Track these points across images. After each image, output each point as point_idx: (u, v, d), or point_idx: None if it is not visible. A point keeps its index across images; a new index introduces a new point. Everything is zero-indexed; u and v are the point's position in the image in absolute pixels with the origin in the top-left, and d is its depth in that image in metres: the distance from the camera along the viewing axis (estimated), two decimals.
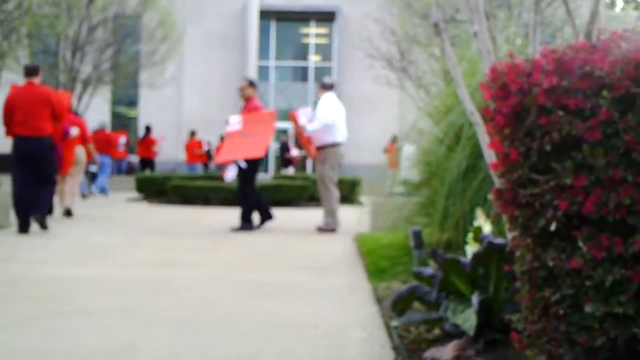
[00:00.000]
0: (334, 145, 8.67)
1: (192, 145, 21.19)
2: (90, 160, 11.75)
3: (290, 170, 19.49)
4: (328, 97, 8.85)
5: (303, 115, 8.91)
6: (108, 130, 19.30)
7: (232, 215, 9.43)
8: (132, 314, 3.82)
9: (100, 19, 19.73)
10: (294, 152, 19.69)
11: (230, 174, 9.01)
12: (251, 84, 9.13)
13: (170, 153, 25.35)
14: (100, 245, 7.05)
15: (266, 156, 29.26)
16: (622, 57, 2.06)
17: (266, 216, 8.88)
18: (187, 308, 4.02)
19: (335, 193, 8.64)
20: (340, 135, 8.73)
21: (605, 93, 2.07)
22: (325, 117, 8.59)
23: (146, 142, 20.34)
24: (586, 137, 2.05)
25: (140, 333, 3.41)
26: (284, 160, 19.90)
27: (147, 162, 20.26)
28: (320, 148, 8.67)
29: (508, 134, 2.23)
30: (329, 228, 8.57)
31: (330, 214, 8.61)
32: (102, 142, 15.95)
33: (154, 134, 20.96)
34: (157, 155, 20.76)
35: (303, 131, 8.77)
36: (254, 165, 8.77)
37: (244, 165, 8.65)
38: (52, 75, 20.12)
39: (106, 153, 16.19)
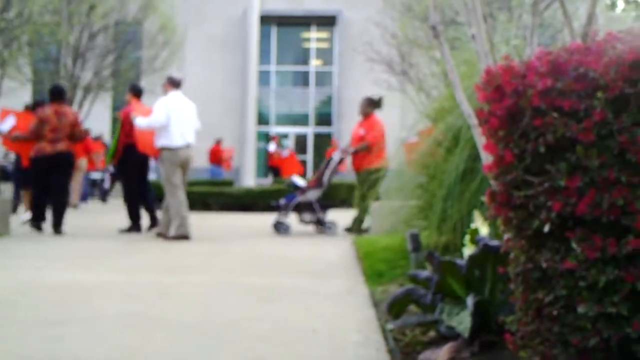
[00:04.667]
0: (169, 148, 8.27)
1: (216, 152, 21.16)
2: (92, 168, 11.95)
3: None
4: (170, 96, 8.49)
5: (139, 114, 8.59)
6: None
7: (232, 220, 9.43)
8: (138, 320, 3.81)
9: (101, 25, 19.75)
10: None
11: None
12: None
13: None
14: (102, 251, 7.05)
15: (267, 161, 29.17)
16: (616, 58, 2.06)
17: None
18: (190, 313, 4.01)
19: (180, 197, 8.19)
20: (178, 138, 8.29)
21: (599, 94, 2.07)
22: (152, 119, 8.30)
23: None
24: (580, 139, 2.05)
25: (146, 339, 3.41)
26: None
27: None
28: (160, 149, 8.36)
29: (502, 136, 2.22)
30: (177, 235, 8.00)
31: (179, 219, 8.08)
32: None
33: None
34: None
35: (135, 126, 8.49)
36: (137, 166, 8.89)
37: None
38: (53, 82, 20.16)
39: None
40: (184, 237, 8.02)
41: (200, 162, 21.89)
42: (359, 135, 9.21)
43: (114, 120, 27.60)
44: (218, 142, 21.77)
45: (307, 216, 9.15)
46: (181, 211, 8.11)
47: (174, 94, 8.52)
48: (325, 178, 9.11)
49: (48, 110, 8.79)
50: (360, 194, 9.07)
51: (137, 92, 9.30)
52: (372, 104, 9.27)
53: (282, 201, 9.06)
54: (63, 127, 8.74)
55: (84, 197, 16.17)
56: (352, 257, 6.48)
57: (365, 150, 9.00)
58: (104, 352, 3.15)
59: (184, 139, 8.34)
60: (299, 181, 9.30)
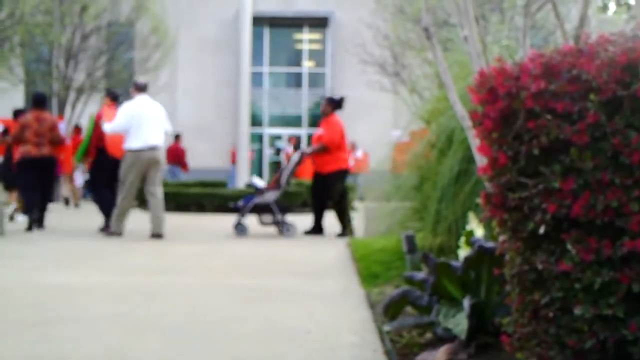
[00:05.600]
0: (132, 150, 8.51)
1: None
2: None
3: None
4: (135, 100, 8.77)
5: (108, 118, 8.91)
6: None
7: (226, 221, 9.42)
8: (124, 321, 3.81)
9: (94, 26, 19.70)
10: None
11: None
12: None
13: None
14: (93, 251, 7.04)
15: (260, 162, 29.09)
16: (608, 60, 2.07)
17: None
18: (180, 314, 4.01)
19: (128, 196, 8.54)
20: (138, 141, 8.50)
21: (592, 96, 2.08)
22: (114, 123, 8.63)
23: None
24: (574, 141, 2.06)
25: (132, 339, 3.41)
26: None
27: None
28: (125, 151, 8.62)
29: (496, 138, 2.23)
30: (111, 231, 8.50)
31: (118, 216, 8.50)
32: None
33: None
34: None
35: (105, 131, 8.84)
36: (109, 169, 9.03)
37: None
38: (45, 83, 20.09)
39: None
40: (118, 234, 8.50)
41: (200, 163, 21.89)
42: (318, 136, 9.22)
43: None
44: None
45: (267, 218, 9.17)
46: (127, 211, 8.58)
47: (140, 98, 8.80)
48: (283, 180, 9.10)
49: (29, 117, 9.47)
50: (314, 194, 9.14)
51: (114, 97, 9.63)
52: (332, 104, 9.22)
53: (240, 203, 9.10)
54: (44, 132, 9.34)
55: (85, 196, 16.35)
56: (347, 259, 6.48)
57: (323, 151, 8.99)
58: (89, 353, 3.15)
59: (147, 142, 8.55)
60: (258, 183, 9.29)
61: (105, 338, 3.42)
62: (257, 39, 26.36)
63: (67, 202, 16.32)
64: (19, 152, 9.40)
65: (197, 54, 27.87)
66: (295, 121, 29.09)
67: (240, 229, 8.85)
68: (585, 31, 3.00)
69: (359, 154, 20.06)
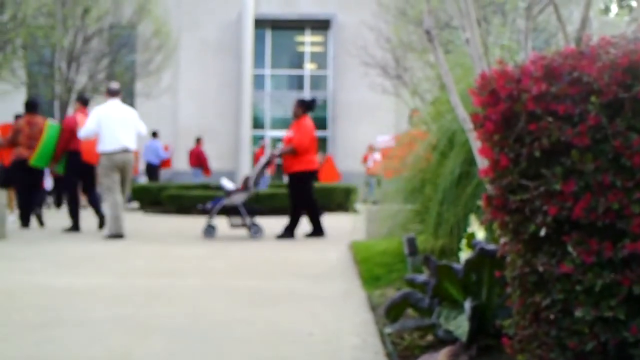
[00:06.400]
0: (104, 153, 8.81)
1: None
2: None
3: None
4: (106, 104, 9.07)
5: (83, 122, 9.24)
6: None
7: (227, 224, 9.42)
8: (128, 323, 3.81)
9: (96, 29, 19.74)
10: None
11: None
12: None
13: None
14: (96, 254, 7.05)
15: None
16: (610, 62, 2.08)
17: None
18: (183, 316, 4.01)
19: (115, 199, 8.69)
20: (111, 143, 8.78)
21: (593, 99, 2.08)
22: (85, 128, 8.97)
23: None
24: (575, 143, 2.06)
25: (136, 342, 3.41)
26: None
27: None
28: (99, 154, 8.92)
29: (498, 140, 2.24)
30: (111, 234, 8.60)
31: (113, 219, 8.63)
32: None
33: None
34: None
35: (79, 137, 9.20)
36: (80, 173, 9.53)
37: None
38: (47, 86, 20.13)
39: None
40: (118, 235, 8.59)
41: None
42: (288, 138, 9.24)
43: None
44: (263, 146, 21.53)
45: (236, 220, 9.18)
46: (115, 212, 8.64)
47: (111, 102, 9.10)
48: (251, 182, 9.11)
49: (22, 121, 10.24)
50: (290, 196, 9.15)
51: (84, 102, 10.14)
52: (303, 106, 9.22)
53: (209, 205, 9.13)
54: (35, 135, 9.91)
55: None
56: (348, 261, 6.48)
57: (292, 152, 9.01)
58: (92, 355, 3.15)
59: (119, 143, 8.81)
60: (227, 185, 9.31)
61: (108, 340, 3.42)
62: (259, 41, 26.45)
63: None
64: (12, 154, 10.22)
65: (199, 57, 27.93)
66: None
67: (208, 231, 8.88)
68: (586, 33, 3.00)
69: (377, 156, 20.06)
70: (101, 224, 9.55)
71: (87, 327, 3.69)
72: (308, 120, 9.23)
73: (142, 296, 4.66)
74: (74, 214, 9.59)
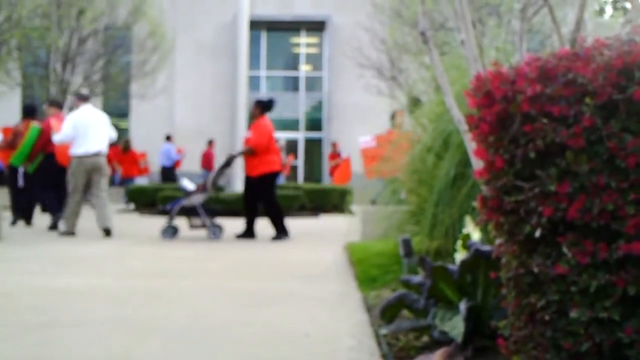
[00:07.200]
0: (77, 156, 9.14)
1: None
2: None
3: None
4: (80, 110, 9.40)
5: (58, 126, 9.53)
6: None
7: (225, 225, 9.42)
8: (126, 324, 3.81)
9: (91, 30, 19.69)
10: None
11: None
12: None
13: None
14: (93, 255, 7.04)
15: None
16: (604, 64, 2.08)
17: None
18: (180, 317, 4.01)
19: (78, 198, 9.06)
20: (82, 147, 9.11)
21: (588, 100, 2.09)
22: (61, 132, 9.24)
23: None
24: (570, 144, 2.07)
25: (134, 343, 3.40)
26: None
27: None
28: (71, 157, 9.23)
29: (492, 141, 2.24)
30: (65, 231, 8.98)
31: (71, 218, 9.00)
32: None
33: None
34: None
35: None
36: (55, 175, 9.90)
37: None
38: (42, 87, 20.09)
39: None
40: (70, 233, 9.00)
41: (197, 166, 21.87)
42: (246, 139, 9.26)
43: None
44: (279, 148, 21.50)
45: (196, 221, 9.19)
46: (75, 210, 9.03)
47: (84, 108, 9.43)
48: (209, 183, 9.12)
49: (20, 126, 10.58)
50: (245, 198, 9.19)
51: (58, 105, 10.67)
52: (261, 107, 9.24)
53: (169, 205, 9.19)
54: None
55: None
56: (344, 262, 6.48)
57: (249, 153, 9.03)
58: (90, 356, 3.14)
59: (91, 147, 9.15)
60: (188, 185, 9.34)
61: (106, 341, 3.42)
62: (254, 42, 26.41)
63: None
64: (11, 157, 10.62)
65: (195, 58, 27.90)
66: (292, 125, 29.10)
67: (166, 232, 8.90)
68: (581, 35, 3.01)
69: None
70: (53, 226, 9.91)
71: (85, 329, 3.68)
72: (266, 120, 9.23)
73: (140, 297, 4.65)
74: (53, 212, 9.95)
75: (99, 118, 9.43)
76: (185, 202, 9.04)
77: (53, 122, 9.80)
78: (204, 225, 9.03)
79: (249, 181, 9.20)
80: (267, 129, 9.11)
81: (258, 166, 9.00)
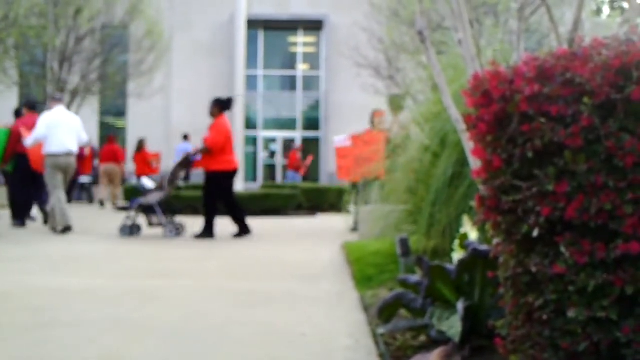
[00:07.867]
0: (50, 154, 9.32)
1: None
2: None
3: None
4: (53, 111, 9.59)
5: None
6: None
7: (221, 225, 9.41)
8: (121, 324, 3.80)
9: (88, 29, 19.65)
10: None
11: None
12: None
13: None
14: (89, 255, 7.03)
15: (255, 165, 29.11)
16: (602, 64, 2.08)
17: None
18: (176, 317, 4.01)
19: (59, 195, 9.22)
20: (55, 145, 9.31)
21: (586, 100, 2.09)
22: (34, 133, 9.40)
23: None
24: (568, 144, 2.07)
25: (129, 343, 3.40)
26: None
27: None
28: (45, 156, 9.38)
29: (490, 141, 2.24)
30: (63, 227, 9.11)
31: (60, 214, 9.13)
32: None
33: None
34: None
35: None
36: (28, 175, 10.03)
37: None
38: (39, 86, 20.05)
39: None
40: (68, 228, 9.13)
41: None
42: (204, 138, 9.25)
43: (102, 125, 27.45)
44: (295, 149, 21.70)
45: (154, 219, 9.22)
46: (62, 207, 9.17)
47: (57, 109, 9.65)
48: (166, 182, 9.14)
49: (20, 124, 10.52)
50: (204, 195, 9.20)
51: (32, 107, 10.70)
52: (220, 106, 9.25)
53: (128, 204, 9.23)
54: None
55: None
56: (341, 262, 6.48)
57: (206, 152, 9.05)
58: (87, 356, 3.14)
59: (64, 146, 9.37)
60: (146, 184, 9.41)
61: (103, 341, 3.41)
62: (251, 42, 26.41)
63: (102, 203, 17.24)
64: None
65: (192, 57, 27.87)
66: (289, 124, 29.10)
67: (123, 230, 8.95)
68: (579, 35, 3.01)
69: None
70: (46, 220, 10.09)
71: (82, 329, 3.67)
72: (224, 119, 9.25)
73: (136, 297, 4.65)
74: (20, 212, 10.28)
75: (71, 120, 9.66)
76: (143, 200, 9.09)
77: (22, 129, 9.94)
78: (160, 224, 9.09)
79: (206, 179, 9.23)
80: (224, 129, 9.13)
81: (213, 163, 9.05)
